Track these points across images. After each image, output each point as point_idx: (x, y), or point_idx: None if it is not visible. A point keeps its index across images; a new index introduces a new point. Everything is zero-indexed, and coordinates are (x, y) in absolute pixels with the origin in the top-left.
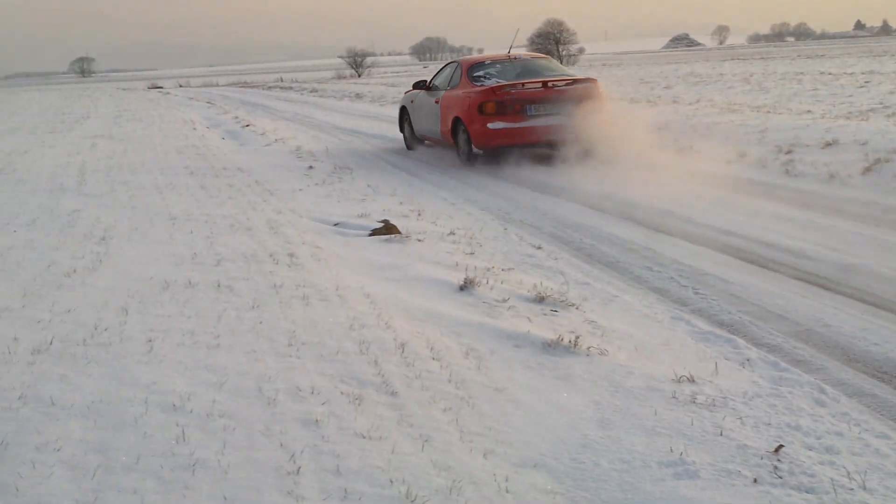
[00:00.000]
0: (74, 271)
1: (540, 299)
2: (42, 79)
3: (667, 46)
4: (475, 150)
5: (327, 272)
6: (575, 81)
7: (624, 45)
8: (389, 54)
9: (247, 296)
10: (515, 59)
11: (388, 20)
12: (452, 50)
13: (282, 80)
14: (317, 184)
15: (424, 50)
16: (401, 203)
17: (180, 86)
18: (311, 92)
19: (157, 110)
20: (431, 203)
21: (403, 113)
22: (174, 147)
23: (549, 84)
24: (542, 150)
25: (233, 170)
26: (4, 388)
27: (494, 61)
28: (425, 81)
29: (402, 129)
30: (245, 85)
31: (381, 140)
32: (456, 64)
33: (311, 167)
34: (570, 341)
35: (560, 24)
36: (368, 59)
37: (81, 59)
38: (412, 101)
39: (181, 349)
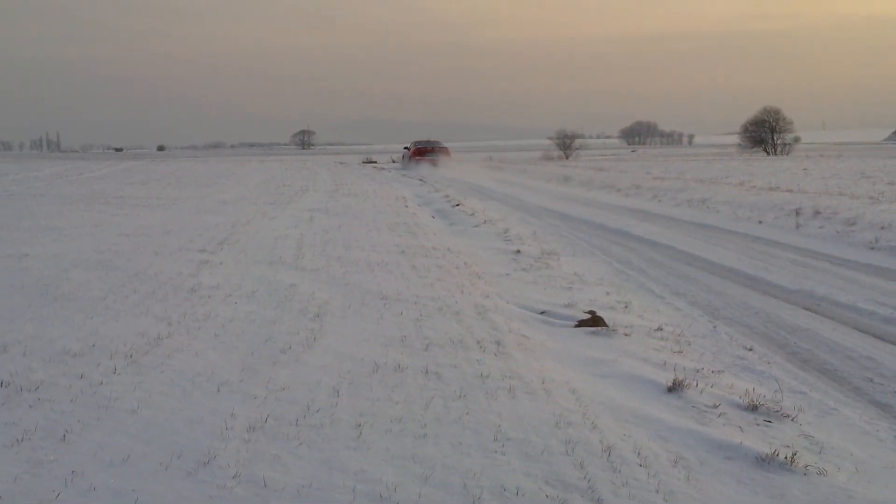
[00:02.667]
0: (290, 347)
1: (753, 407)
2: (265, 149)
3: (889, 138)
4: (411, 164)
5: (533, 363)
6: (442, 148)
7: (842, 135)
8: (598, 137)
9: (454, 384)
10: (430, 140)
11: (599, 103)
12: (662, 135)
13: (491, 160)
14: (524, 269)
15: (634, 134)
16: (607, 293)
17: (393, 161)
18: (520, 173)
19: (372, 185)
20: (639, 294)
21: (403, 157)
22: (387, 224)
23: (432, 148)
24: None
25: (442, 250)
26: (221, 466)
27: (424, 140)
28: (408, 147)
29: (402, 162)
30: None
31: (588, 225)
32: (414, 141)
33: (518, 251)
34: (786, 457)
35: (776, 112)
36: (577, 142)
37: (303, 132)
38: (403, 153)
39: (389, 436)
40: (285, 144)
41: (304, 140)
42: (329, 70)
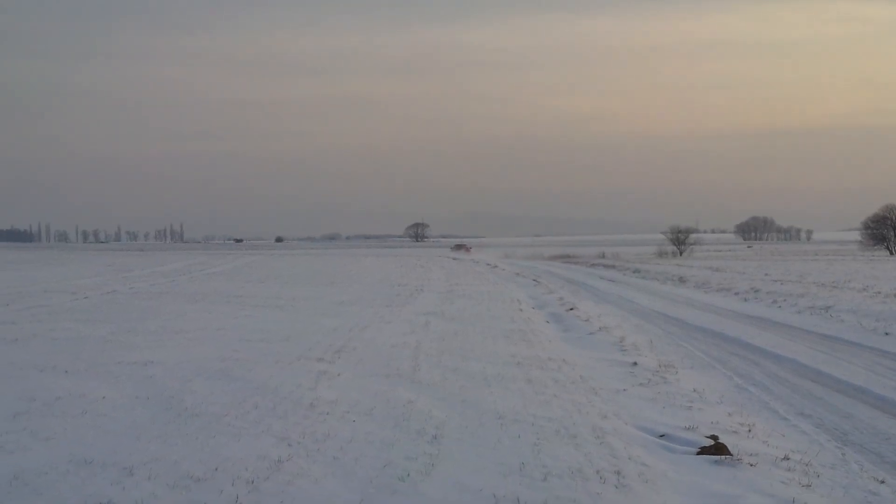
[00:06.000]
0: (408, 475)
1: None
2: (380, 241)
3: None
4: (454, 254)
5: (655, 497)
6: (467, 246)
7: None
8: (713, 231)
9: None
10: (462, 242)
11: (714, 197)
12: (779, 230)
13: (604, 256)
14: (641, 384)
15: (750, 229)
16: (729, 414)
17: (506, 256)
18: (634, 272)
19: (486, 286)
20: (762, 415)
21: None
22: (501, 331)
23: (462, 245)
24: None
25: (558, 361)
26: None
27: (459, 242)
28: (452, 247)
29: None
30: (568, 259)
31: (706, 333)
32: (456, 242)
33: (634, 363)
34: None
35: None
36: (692, 237)
37: (416, 225)
38: (453, 246)
39: None
40: (399, 237)
41: (417, 233)
42: (442, 164)
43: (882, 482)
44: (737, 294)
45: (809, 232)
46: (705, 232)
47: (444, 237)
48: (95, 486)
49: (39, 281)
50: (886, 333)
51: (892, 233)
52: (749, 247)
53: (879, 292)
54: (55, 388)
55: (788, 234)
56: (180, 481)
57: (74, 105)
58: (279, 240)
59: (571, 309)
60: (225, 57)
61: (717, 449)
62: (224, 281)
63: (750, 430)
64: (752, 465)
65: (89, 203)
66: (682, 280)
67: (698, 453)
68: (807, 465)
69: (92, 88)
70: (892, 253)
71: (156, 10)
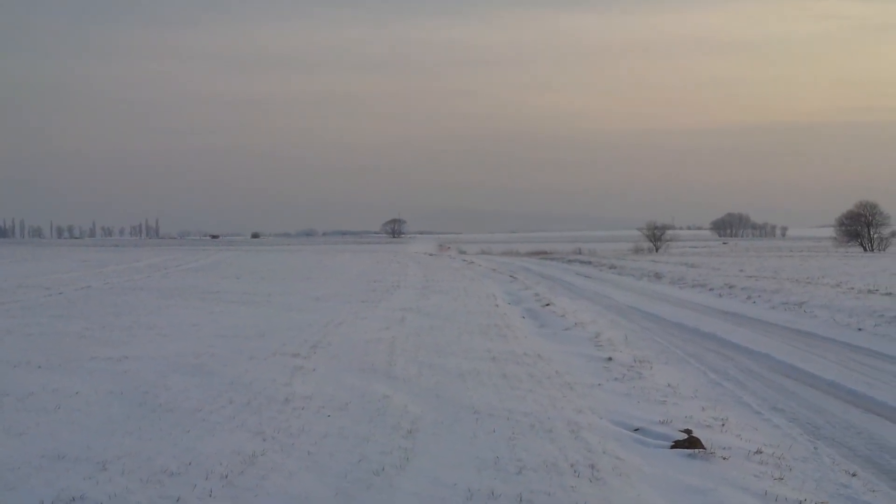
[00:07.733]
0: (383, 469)
1: None
2: (357, 237)
3: None
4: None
5: (629, 491)
6: (445, 245)
7: None
8: (689, 228)
9: None
10: (442, 243)
11: (691, 194)
12: (754, 227)
13: (581, 252)
14: (616, 378)
15: (726, 225)
16: (703, 408)
17: (482, 252)
18: (610, 268)
19: (462, 282)
20: (735, 410)
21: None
22: (477, 326)
23: (443, 245)
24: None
25: (533, 356)
26: None
27: (442, 244)
28: (439, 245)
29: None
30: (545, 255)
31: (681, 329)
32: (438, 243)
33: (609, 358)
34: None
35: (873, 206)
36: (668, 233)
37: (393, 221)
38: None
39: None
40: (376, 233)
41: (394, 229)
42: (420, 160)
43: (853, 475)
44: (712, 290)
45: (784, 228)
46: (681, 228)
47: (420, 233)
48: (68, 480)
49: (13, 276)
50: (859, 329)
51: (865, 229)
52: (724, 243)
53: (853, 288)
54: (28, 384)
55: (763, 231)
56: (154, 476)
57: (49, 100)
58: (255, 235)
59: (547, 305)
60: (202, 52)
61: (690, 443)
62: (199, 277)
63: (723, 425)
64: (725, 459)
65: (64, 199)
66: (657, 276)
67: (672, 447)
68: (779, 458)
69: (67, 83)
70: (865, 249)
71: (134, 6)
